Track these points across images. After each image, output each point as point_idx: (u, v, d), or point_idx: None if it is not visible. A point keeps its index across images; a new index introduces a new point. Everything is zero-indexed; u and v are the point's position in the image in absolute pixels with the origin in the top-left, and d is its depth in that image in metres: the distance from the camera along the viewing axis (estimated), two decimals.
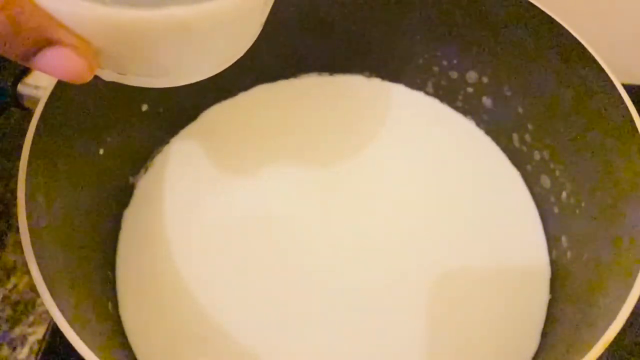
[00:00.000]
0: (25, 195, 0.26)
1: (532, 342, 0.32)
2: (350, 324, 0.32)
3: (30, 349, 0.36)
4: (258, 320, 0.32)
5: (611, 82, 0.30)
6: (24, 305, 0.37)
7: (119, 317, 0.32)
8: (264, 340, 0.31)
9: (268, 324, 0.32)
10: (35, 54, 0.17)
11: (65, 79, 0.18)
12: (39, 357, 0.35)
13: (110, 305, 0.32)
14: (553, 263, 0.35)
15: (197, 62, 0.21)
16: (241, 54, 0.22)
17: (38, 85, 0.31)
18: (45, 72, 0.17)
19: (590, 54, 0.31)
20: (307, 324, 0.32)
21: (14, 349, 0.36)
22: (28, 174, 0.26)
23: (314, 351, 0.31)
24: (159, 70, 0.20)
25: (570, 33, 0.32)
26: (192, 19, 0.18)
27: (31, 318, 0.37)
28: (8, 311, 0.37)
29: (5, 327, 0.37)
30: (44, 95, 0.28)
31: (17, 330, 0.36)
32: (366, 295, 0.33)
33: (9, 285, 0.38)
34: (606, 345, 0.23)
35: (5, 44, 0.16)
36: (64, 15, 0.17)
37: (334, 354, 0.31)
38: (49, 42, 0.17)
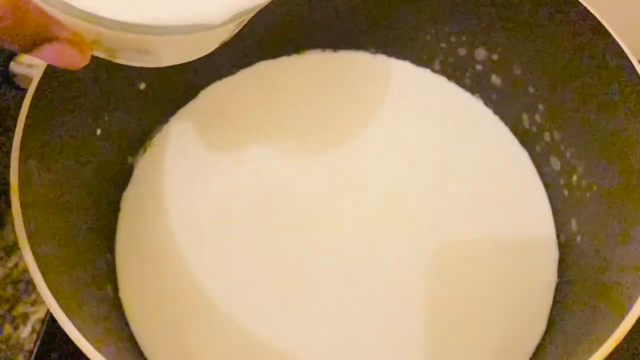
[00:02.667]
0: (19, 176, 0.25)
1: (538, 326, 0.32)
2: (352, 300, 0.32)
3: (32, 328, 0.36)
4: (261, 302, 0.32)
5: (628, 60, 0.29)
6: (25, 284, 0.37)
7: (118, 300, 0.32)
8: (267, 321, 0.31)
9: (270, 304, 0.32)
10: (33, 48, 0.18)
11: (60, 66, 0.19)
12: (40, 336, 0.35)
13: (109, 288, 0.32)
14: (562, 246, 0.34)
15: (186, 52, 0.21)
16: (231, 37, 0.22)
17: (31, 64, 0.30)
18: (40, 59, 0.19)
19: (606, 30, 0.30)
20: (311, 303, 0.32)
21: (16, 328, 0.36)
22: (21, 155, 0.26)
23: (317, 331, 0.31)
24: (148, 57, 0.20)
25: (585, 8, 0.31)
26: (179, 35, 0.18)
27: (33, 297, 0.37)
28: (9, 290, 0.37)
29: (6, 306, 0.37)
30: (37, 74, 0.27)
31: (19, 309, 0.37)
32: (371, 272, 0.33)
33: (10, 264, 0.38)
34: (623, 336, 0.22)
35: (6, 41, 0.18)
36: (61, 18, 0.18)
37: (335, 330, 0.31)
38: (47, 39, 0.18)
